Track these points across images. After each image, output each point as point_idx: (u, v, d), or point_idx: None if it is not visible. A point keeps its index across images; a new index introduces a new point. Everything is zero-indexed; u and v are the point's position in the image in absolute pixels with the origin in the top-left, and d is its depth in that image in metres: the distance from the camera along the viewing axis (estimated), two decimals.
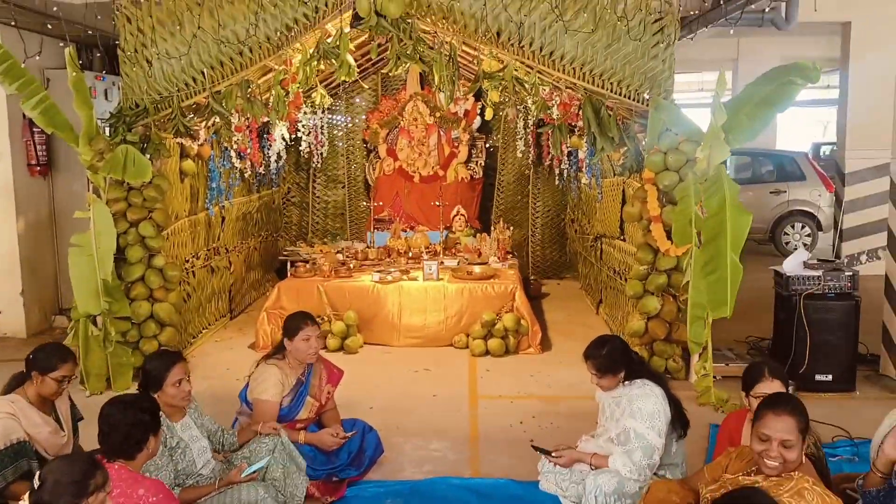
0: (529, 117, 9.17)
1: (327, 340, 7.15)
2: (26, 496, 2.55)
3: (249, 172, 8.42)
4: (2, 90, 6.78)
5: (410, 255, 8.57)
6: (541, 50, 6.06)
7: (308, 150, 9.75)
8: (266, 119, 7.87)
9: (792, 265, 6.11)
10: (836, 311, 5.85)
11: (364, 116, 10.62)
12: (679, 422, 3.83)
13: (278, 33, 6.09)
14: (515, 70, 6.37)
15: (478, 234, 9.29)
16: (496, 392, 6.12)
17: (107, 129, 6.17)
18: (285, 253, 9.52)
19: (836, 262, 6.22)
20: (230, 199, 8.24)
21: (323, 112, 9.91)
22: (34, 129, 7.68)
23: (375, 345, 7.36)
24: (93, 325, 5.97)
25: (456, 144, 10.19)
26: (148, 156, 6.09)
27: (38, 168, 7.93)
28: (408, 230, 9.39)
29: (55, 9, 6.43)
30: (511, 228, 9.33)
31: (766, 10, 7.54)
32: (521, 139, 9.55)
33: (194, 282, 7.34)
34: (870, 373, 6.25)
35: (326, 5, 6.00)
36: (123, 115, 6.14)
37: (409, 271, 7.77)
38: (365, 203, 10.52)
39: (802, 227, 12.11)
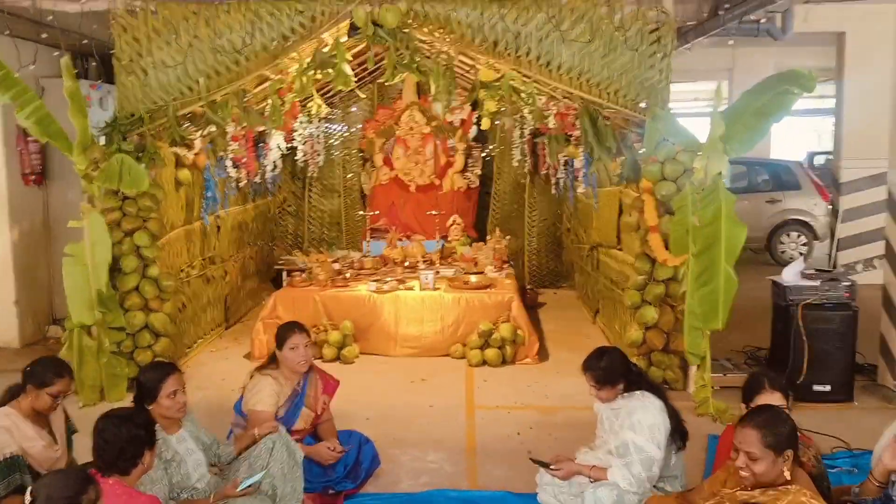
0: (526, 127, 9.17)
1: (323, 350, 7.13)
2: None
3: (245, 182, 8.39)
4: None
5: (407, 264, 8.55)
6: (538, 59, 6.07)
7: (304, 159, 9.73)
8: (262, 128, 7.85)
9: (791, 274, 6.10)
10: (833, 322, 5.85)
11: (360, 126, 10.60)
12: (678, 434, 3.80)
13: (275, 43, 6.09)
14: (512, 80, 6.38)
15: (474, 244, 9.26)
16: (493, 402, 6.09)
17: (102, 139, 6.14)
18: (281, 262, 9.48)
19: (833, 272, 6.22)
20: (226, 208, 8.21)
21: (319, 121, 9.90)
22: (28, 138, 7.63)
23: (372, 355, 7.32)
24: (87, 335, 5.92)
25: (452, 154, 10.17)
26: (143, 165, 6.05)
27: (33, 177, 7.88)
28: (404, 239, 9.35)
29: (50, 18, 6.41)
30: (507, 238, 9.31)
31: (763, 20, 7.56)
32: (517, 148, 9.55)
33: (189, 291, 7.30)
34: (867, 383, 6.24)
35: (323, 15, 6.01)
36: (118, 124, 6.12)
37: (406, 281, 7.74)
38: (361, 212, 10.48)
39: (798, 237, 12.12)
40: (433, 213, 9.42)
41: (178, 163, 6.87)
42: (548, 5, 5.97)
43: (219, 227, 8.15)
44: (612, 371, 3.81)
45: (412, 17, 5.98)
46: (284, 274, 8.75)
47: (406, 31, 6.00)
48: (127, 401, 5.71)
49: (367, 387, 6.43)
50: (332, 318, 7.30)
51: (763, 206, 12.13)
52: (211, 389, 6.32)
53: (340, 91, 8.85)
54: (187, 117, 6.40)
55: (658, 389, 3.90)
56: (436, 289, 7.49)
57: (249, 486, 3.71)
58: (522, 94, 6.68)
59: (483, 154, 10.47)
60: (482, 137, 10.38)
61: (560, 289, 10.32)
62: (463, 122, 10.16)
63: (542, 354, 7.29)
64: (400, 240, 9.23)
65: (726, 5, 6.87)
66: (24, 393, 3.78)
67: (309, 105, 8.56)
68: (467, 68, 7.92)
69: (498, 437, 5.35)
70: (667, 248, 5.77)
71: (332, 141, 10.68)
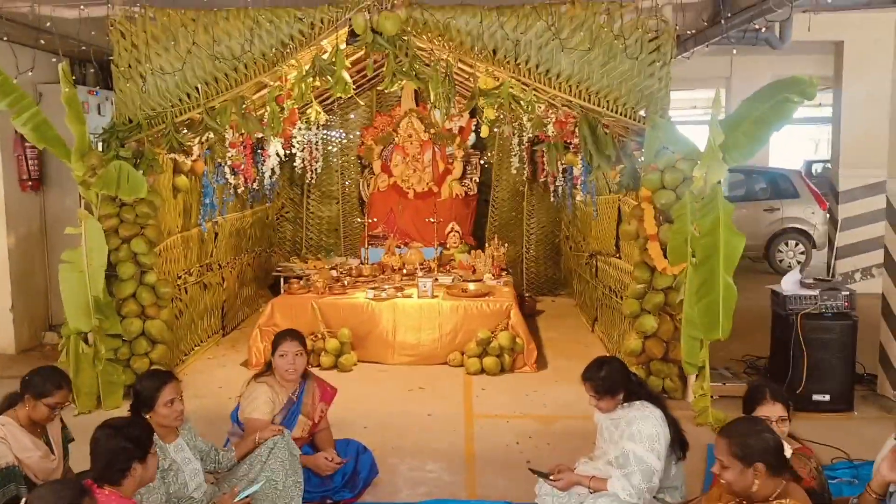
0: (525, 134, 9.16)
1: (321, 358, 7.11)
2: None
3: (243, 188, 8.38)
4: None
5: (405, 271, 8.53)
6: (537, 67, 6.06)
7: (302, 165, 9.72)
8: (260, 135, 7.84)
9: (790, 284, 6.09)
10: (833, 331, 5.84)
11: (359, 132, 10.59)
12: (678, 444, 3.78)
13: (274, 50, 6.08)
14: (511, 87, 6.37)
15: (472, 251, 9.26)
16: (492, 411, 6.07)
17: (99, 145, 6.13)
18: (279, 269, 9.48)
19: (832, 281, 6.21)
20: (224, 214, 8.19)
21: (318, 128, 9.88)
22: (26, 144, 7.63)
23: (370, 362, 7.30)
24: (83, 342, 5.91)
25: (450, 161, 10.17)
26: (141, 171, 6.03)
27: (30, 183, 7.88)
28: (402, 246, 9.34)
29: (48, 24, 6.39)
30: (505, 245, 9.30)
31: (763, 29, 7.57)
32: (515, 156, 9.53)
33: (186, 298, 7.28)
34: (867, 392, 6.25)
35: (322, 22, 5.99)
36: (116, 131, 6.11)
37: (404, 288, 7.72)
38: (359, 219, 10.48)
39: (796, 245, 12.12)
40: (431, 220, 9.40)
41: (176, 169, 6.87)
42: (547, 13, 5.96)
43: (216, 234, 8.13)
44: (611, 381, 3.79)
45: (411, 24, 5.97)
46: (282, 280, 8.75)
47: (405, 38, 5.98)
48: (123, 408, 5.73)
49: (365, 395, 6.40)
50: (329, 325, 7.27)
51: (761, 214, 12.13)
52: (208, 397, 6.29)
53: (339, 98, 8.81)
54: (185, 124, 6.39)
55: (658, 399, 3.88)
56: (434, 296, 7.46)
57: (247, 496, 3.69)
58: (521, 102, 6.67)
59: (482, 161, 10.46)
60: (481, 145, 10.37)
61: (558, 296, 10.31)
62: (461, 129, 10.16)
63: (541, 363, 7.27)
64: (398, 247, 9.22)
65: (727, 14, 6.87)
66: (22, 402, 3.75)
67: (308, 112, 8.53)
68: (466, 76, 7.90)
69: (497, 446, 5.32)
70: (666, 256, 5.75)
71: (330, 148, 10.66)
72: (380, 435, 5.41)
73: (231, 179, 7.89)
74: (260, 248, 9.89)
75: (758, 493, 2.92)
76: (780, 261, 11.96)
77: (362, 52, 7.02)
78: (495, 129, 9.75)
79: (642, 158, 6.12)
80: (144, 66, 6.13)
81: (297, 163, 9.49)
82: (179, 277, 7.13)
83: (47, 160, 7.94)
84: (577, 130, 6.45)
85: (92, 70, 8.49)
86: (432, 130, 10.09)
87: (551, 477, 3.85)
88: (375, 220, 9.90)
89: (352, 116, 10.69)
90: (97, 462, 3.04)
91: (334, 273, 8.33)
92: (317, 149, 10.11)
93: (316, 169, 10.21)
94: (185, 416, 3.85)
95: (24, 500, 2.51)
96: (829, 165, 12.67)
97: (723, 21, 6.92)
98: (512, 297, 7.61)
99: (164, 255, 6.75)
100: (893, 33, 6.07)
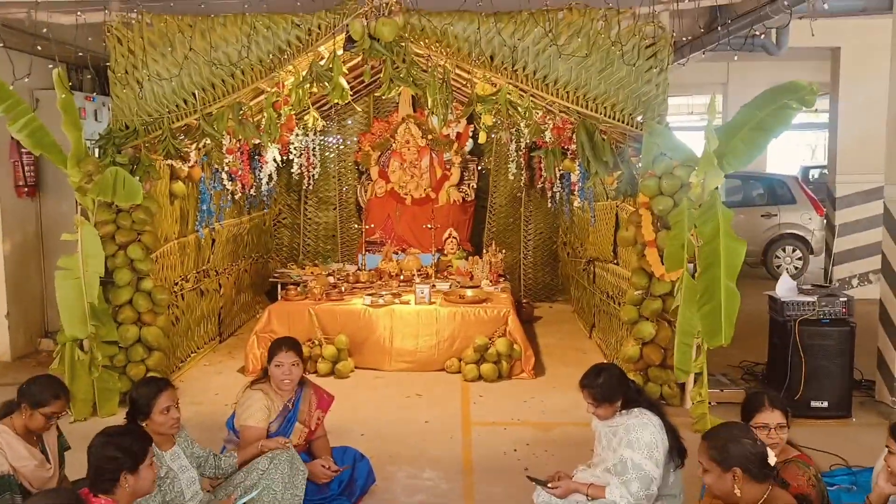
0: (522, 140, 9.17)
1: (318, 364, 7.09)
2: None
3: (240, 194, 8.36)
4: None
5: (402, 277, 8.52)
6: (534, 74, 6.06)
7: (299, 171, 9.70)
8: (257, 141, 7.83)
9: (784, 290, 6.09)
10: (831, 337, 5.85)
11: (356, 138, 10.59)
12: (677, 451, 3.77)
13: (271, 56, 6.08)
14: (509, 94, 6.37)
15: (470, 257, 9.24)
16: (489, 418, 6.05)
17: (96, 151, 6.11)
18: (276, 275, 9.46)
19: (830, 287, 6.21)
20: (221, 220, 8.17)
21: (315, 134, 9.87)
22: (22, 150, 7.61)
23: (367, 369, 7.28)
24: (79, 349, 5.88)
25: (448, 167, 10.17)
26: (137, 178, 6.01)
27: (26, 189, 7.86)
28: (399, 253, 9.33)
29: (45, 30, 6.37)
30: (503, 251, 9.28)
31: (763, 35, 7.58)
32: (513, 162, 9.53)
33: (183, 305, 7.26)
34: (865, 399, 6.25)
35: (319, 28, 5.99)
36: (113, 137, 6.11)
37: (401, 294, 7.71)
38: (356, 225, 10.46)
39: (794, 251, 12.13)
40: (429, 226, 9.38)
41: (173, 175, 6.86)
42: (544, 20, 5.96)
43: (213, 240, 8.12)
44: (609, 388, 3.79)
45: (409, 30, 5.97)
46: (279, 287, 8.72)
47: (402, 44, 5.98)
48: (119, 416, 5.68)
49: (362, 402, 6.39)
50: (326, 331, 7.25)
51: (758, 220, 12.14)
52: (204, 404, 6.27)
53: (336, 104, 8.82)
54: (182, 130, 6.39)
55: (656, 406, 3.88)
56: (431, 303, 7.45)
57: (244, 503, 3.66)
58: (519, 108, 6.66)
59: (479, 167, 10.46)
60: (478, 151, 10.37)
61: (556, 303, 10.30)
62: (459, 135, 10.16)
63: (539, 369, 7.25)
64: (395, 253, 9.22)
65: (727, 20, 6.88)
66: (18, 411, 3.73)
67: (305, 118, 8.53)
68: (464, 82, 7.90)
69: (494, 453, 5.30)
70: (663, 263, 5.74)
71: (327, 154, 10.65)
72: (377, 442, 5.39)
73: (228, 185, 7.88)
74: (257, 254, 9.87)
75: (742, 499, 2.94)
76: (778, 267, 11.95)
77: (360, 58, 7.02)
78: (493, 136, 9.76)
79: (640, 164, 6.12)
80: (141, 72, 6.12)
81: (295, 169, 9.43)
82: (176, 284, 7.12)
83: (43, 166, 7.93)
84: (574, 136, 6.46)
85: (89, 76, 8.48)
86: (430, 136, 10.10)
87: (549, 484, 3.84)
88: (373, 226, 9.89)
89: (349, 122, 10.68)
90: (89, 469, 3.03)
91: (331, 279, 8.32)
92: (314, 155, 10.12)
93: (313, 175, 10.22)
94: (181, 424, 3.83)
95: None
96: (825, 171, 12.68)
97: (719, 28, 6.93)
98: (509, 303, 7.60)
99: (161, 262, 6.73)
100: (890, 39, 6.06)
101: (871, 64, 9.28)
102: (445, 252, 9.50)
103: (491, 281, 8.35)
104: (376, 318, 7.31)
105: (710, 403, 5.56)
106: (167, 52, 6.08)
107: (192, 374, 7.16)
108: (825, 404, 5.84)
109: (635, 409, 3.78)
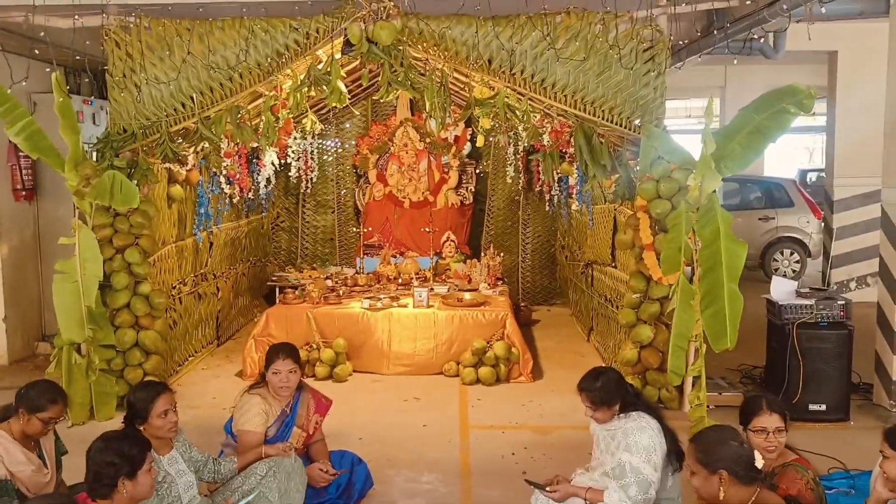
0: (520, 143, 9.16)
1: (316, 368, 7.08)
2: None
3: (238, 198, 8.36)
4: None
5: (400, 281, 8.51)
6: (532, 77, 6.07)
7: (297, 175, 9.70)
8: (255, 144, 7.82)
9: (780, 293, 6.09)
10: (829, 340, 5.85)
11: (354, 142, 10.58)
12: (675, 455, 3.75)
13: (269, 59, 6.08)
14: (507, 97, 6.37)
15: (468, 261, 9.23)
16: (487, 422, 6.05)
17: (94, 154, 6.11)
18: (274, 279, 9.44)
19: (828, 290, 6.21)
20: (219, 224, 8.16)
21: (313, 137, 9.87)
22: (20, 154, 7.61)
23: (365, 373, 7.27)
24: (76, 353, 5.86)
25: (446, 170, 10.17)
26: (135, 181, 6.03)
27: (24, 193, 7.86)
28: (397, 256, 9.32)
29: (42, 33, 6.38)
30: (501, 254, 9.28)
31: (762, 39, 7.59)
32: (511, 165, 9.53)
33: (181, 308, 7.25)
34: (863, 402, 6.25)
35: (318, 32, 5.99)
36: (111, 140, 6.10)
37: (399, 298, 7.69)
38: (354, 228, 10.46)
39: (791, 254, 12.14)
40: (427, 229, 9.38)
41: (171, 179, 6.86)
42: (542, 23, 5.96)
43: (211, 244, 8.11)
44: (608, 392, 3.78)
45: (407, 34, 5.97)
46: (277, 290, 8.71)
47: (400, 48, 5.98)
48: (117, 420, 5.72)
49: (360, 406, 6.38)
50: (324, 335, 7.24)
51: (756, 223, 12.15)
52: (202, 408, 6.26)
53: (334, 107, 8.79)
54: (180, 133, 6.37)
55: (655, 410, 3.87)
56: (429, 306, 7.44)
57: (247, 502, 3.67)
58: (517, 112, 6.65)
59: (477, 171, 10.46)
60: (476, 154, 10.37)
61: (554, 306, 10.29)
62: (457, 138, 10.16)
63: (537, 373, 7.24)
64: (394, 256, 9.21)
65: (725, 24, 6.88)
66: (16, 416, 3.72)
67: (303, 121, 8.53)
68: (462, 85, 7.90)
69: (492, 457, 5.30)
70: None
71: (325, 157, 10.64)
72: (375, 446, 5.38)
73: (226, 189, 7.87)
74: (255, 257, 9.86)
75: (727, 502, 2.95)
76: (776, 270, 11.96)
77: (358, 62, 7.02)
78: (491, 139, 9.76)
79: (637, 168, 6.12)
80: (139, 76, 6.12)
81: (293, 172, 9.44)
82: (174, 287, 7.11)
83: (41, 170, 7.92)
84: (572, 140, 6.45)
85: (87, 79, 8.47)
86: (428, 140, 10.09)
87: (547, 488, 3.82)
88: (371, 229, 9.89)
89: (347, 126, 10.68)
90: (87, 474, 3.02)
91: (329, 283, 8.31)
92: (312, 158, 10.09)
93: (311, 178, 10.20)
94: (179, 428, 3.82)
95: None
96: (823, 174, 12.69)
97: (715, 31, 6.94)
98: (507, 306, 7.60)
99: (159, 265, 6.73)
100: (886, 43, 6.07)
101: (868, 67, 9.30)
102: (443, 255, 9.49)
103: (489, 284, 8.34)
104: (374, 321, 7.31)
105: (708, 407, 5.53)
106: (165, 56, 6.09)
107: (190, 378, 7.14)
108: (823, 408, 5.84)
109: (633, 413, 3.76)
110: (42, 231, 8.14)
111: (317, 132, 9.51)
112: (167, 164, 6.54)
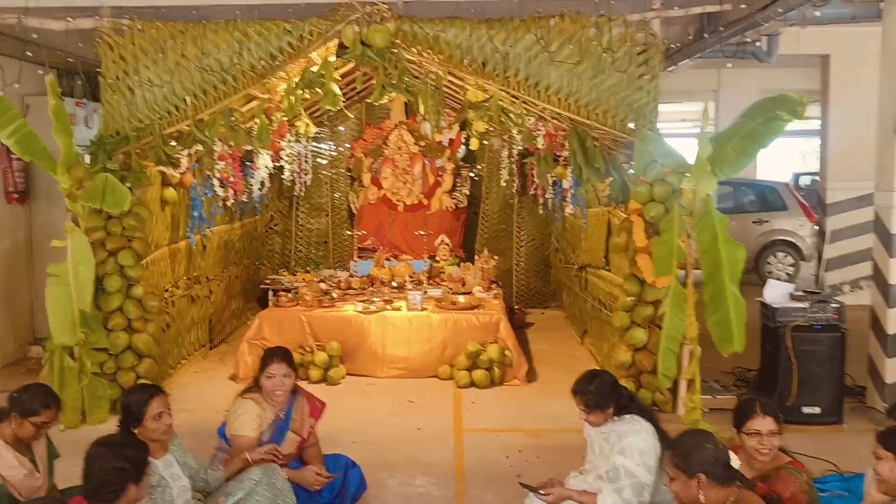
0: (514, 147, 9.17)
1: (309, 371, 7.06)
2: None
3: (232, 200, 8.34)
4: None
5: (394, 284, 8.50)
6: (526, 80, 6.08)
7: (291, 178, 9.69)
8: (249, 147, 7.81)
9: (773, 296, 6.10)
10: (822, 343, 5.86)
11: (348, 145, 10.56)
12: None
13: (263, 62, 6.08)
14: (501, 100, 6.37)
15: (462, 264, 9.21)
16: (482, 425, 6.04)
17: (87, 157, 6.08)
18: (267, 282, 9.41)
19: (821, 293, 6.23)
20: (212, 227, 8.14)
21: (307, 140, 9.86)
22: (12, 156, 7.57)
23: (359, 376, 7.25)
24: (69, 356, 5.83)
25: (440, 173, 10.15)
26: (128, 184, 6.01)
27: (16, 195, 7.82)
28: (392, 259, 9.30)
29: (35, 35, 6.36)
30: (495, 258, 9.27)
31: (758, 42, 7.62)
32: (505, 168, 9.54)
33: (174, 311, 7.22)
34: (857, 405, 6.24)
35: (311, 34, 5.99)
36: (104, 143, 6.07)
37: (393, 301, 7.69)
38: (348, 232, 10.44)
39: (785, 257, 12.16)
40: (421, 232, 9.37)
41: (164, 181, 6.82)
42: (536, 27, 5.98)
43: (205, 247, 8.08)
44: (602, 395, 3.78)
45: (401, 37, 5.97)
46: (270, 293, 8.68)
47: (395, 51, 5.99)
48: (109, 423, 5.65)
49: (354, 409, 6.36)
50: (318, 338, 7.22)
51: (750, 226, 12.16)
52: (195, 411, 6.22)
53: (328, 110, 8.81)
54: (174, 136, 6.36)
55: (649, 413, 3.87)
56: (423, 309, 7.43)
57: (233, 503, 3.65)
58: (511, 115, 6.67)
59: (471, 174, 10.46)
60: (470, 157, 10.35)
61: (548, 309, 10.29)
62: (451, 141, 10.15)
63: (531, 376, 7.24)
64: (388, 259, 9.18)
65: (718, 28, 6.90)
66: (8, 420, 3.70)
67: (297, 124, 8.51)
68: (456, 88, 7.92)
69: (486, 460, 5.29)
70: None
71: (319, 160, 10.62)
72: (369, 449, 5.37)
73: (220, 192, 7.82)
74: (248, 260, 9.83)
75: (680, 498, 2.99)
76: (770, 273, 11.97)
77: (352, 65, 7.01)
78: (485, 142, 9.73)
79: (631, 171, 6.13)
80: (132, 78, 6.12)
81: (287, 175, 9.47)
82: (167, 290, 7.07)
83: (33, 172, 7.89)
84: (566, 143, 6.47)
85: (79, 82, 8.45)
86: (422, 143, 10.08)
87: (541, 491, 3.81)
88: (365, 232, 9.87)
89: (341, 129, 10.67)
90: (91, 481, 2.99)
91: (323, 286, 8.28)
92: (306, 161, 10.08)
93: (305, 181, 10.17)
94: (174, 431, 3.80)
95: None
96: (817, 178, 12.72)
97: (706, 35, 6.95)
98: (502, 309, 7.60)
99: (152, 268, 6.69)
100: (879, 47, 6.09)
101: (860, 71, 9.34)
102: (437, 258, 9.47)
103: (483, 287, 8.33)
104: (368, 324, 7.29)
105: (702, 410, 5.55)
106: (158, 59, 6.09)
107: (183, 381, 7.11)
108: (817, 410, 5.85)
109: (627, 416, 3.76)
110: (34, 234, 8.11)
111: (311, 135, 9.47)
112: (160, 167, 6.51)
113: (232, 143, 6.82)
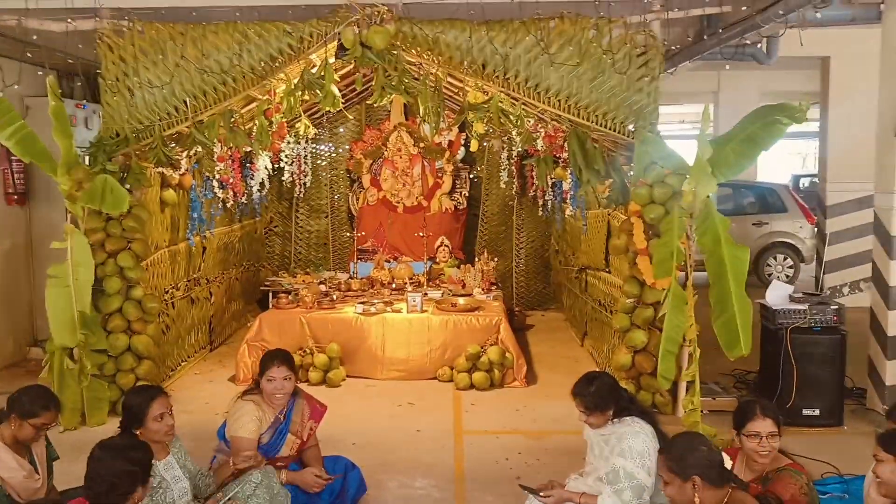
0: (514, 148, 9.17)
1: (309, 373, 7.05)
2: None
3: (231, 202, 8.34)
4: None
5: (394, 286, 8.49)
6: (526, 82, 6.07)
7: (291, 179, 9.68)
8: (249, 149, 7.81)
9: (775, 298, 6.10)
10: (822, 345, 5.85)
11: (348, 146, 10.55)
12: None
13: (262, 63, 6.07)
14: (500, 102, 6.36)
15: (462, 266, 9.21)
16: (481, 427, 6.03)
17: (86, 159, 6.08)
18: (267, 283, 9.40)
19: (821, 295, 6.22)
20: (212, 228, 8.13)
21: (306, 142, 9.86)
22: (12, 158, 7.58)
23: (358, 378, 7.23)
24: (69, 358, 5.82)
25: (440, 175, 10.15)
26: (128, 186, 6.02)
27: (16, 197, 7.82)
28: (391, 261, 9.29)
29: (35, 37, 6.36)
30: (495, 259, 9.27)
31: (759, 44, 7.62)
32: (505, 170, 9.54)
33: (174, 313, 7.21)
34: (857, 407, 6.23)
35: (311, 36, 5.99)
36: (104, 144, 6.07)
37: (393, 303, 7.68)
38: (348, 233, 10.43)
39: (784, 259, 12.16)
40: (421, 234, 9.36)
41: (164, 183, 6.83)
42: (536, 28, 5.97)
43: (204, 248, 8.07)
44: (601, 396, 3.78)
45: (400, 38, 5.97)
46: (270, 295, 8.67)
47: (394, 52, 5.98)
48: (108, 425, 5.74)
49: (354, 411, 6.35)
50: (318, 340, 7.21)
51: (749, 228, 12.15)
52: (195, 413, 6.22)
53: (328, 112, 8.81)
54: (173, 137, 6.36)
55: (649, 415, 3.88)
56: (423, 311, 7.42)
57: (229, 498, 3.68)
58: (511, 117, 6.66)
59: (471, 176, 10.45)
60: (470, 159, 10.35)
61: (548, 311, 10.28)
62: (451, 143, 10.14)
63: (531, 377, 7.23)
64: (387, 261, 9.17)
65: (717, 30, 6.90)
66: (7, 421, 3.69)
67: (296, 126, 8.51)
68: (455, 90, 7.91)
69: (486, 462, 5.28)
70: None
71: (319, 161, 10.61)
72: (368, 451, 5.36)
73: (219, 193, 7.84)
74: (248, 262, 9.81)
75: (676, 501, 3.01)
76: (769, 275, 11.97)
77: (351, 66, 7.01)
78: (485, 144, 9.76)
79: (631, 173, 6.12)
80: (132, 80, 6.11)
81: (286, 177, 9.46)
82: (167, 292, 7.07)
83: (33, 174, 7.88)
84: (566, 145, 6.46)
85: (79, 83, 8.45)
86: (422, 144, 10.07)
87: (541, 493, 3.82)
88: (364, 234, 9.86)
89: (341, 130, 10.65)
90: (98, 484, 2.98)
91: (323, 287, 8.28)
92: (306, 163, 10.09)
93: (305, 183, 10.18)
94: (174, 432, 3.80)
95: None
96: (816, 179, 12.72)
97: (705, 37, 6.95)
98: (501, 311, 7.58)
99: (151, 270, 6.68)
100: (879, 49, 6.09)
101: (860, 73, 9.32)
102: (437, 260, 9.48)
103: (483, 289, 8.33)
104: (368, 326, 7.28)
105: (702, 412, 5.54)
106: (158, 60, 6.08)
107: (183, 383, 7.10)
108: (817, 412, 5.84)
109: (627, 418, 3.76)
110: (34, 235, 8.09)
111: (310, 136, 9.48)
112: (160, 169, 6.51)
113: (232, 145, 6.81)
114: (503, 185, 9.89)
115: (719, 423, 5.14)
